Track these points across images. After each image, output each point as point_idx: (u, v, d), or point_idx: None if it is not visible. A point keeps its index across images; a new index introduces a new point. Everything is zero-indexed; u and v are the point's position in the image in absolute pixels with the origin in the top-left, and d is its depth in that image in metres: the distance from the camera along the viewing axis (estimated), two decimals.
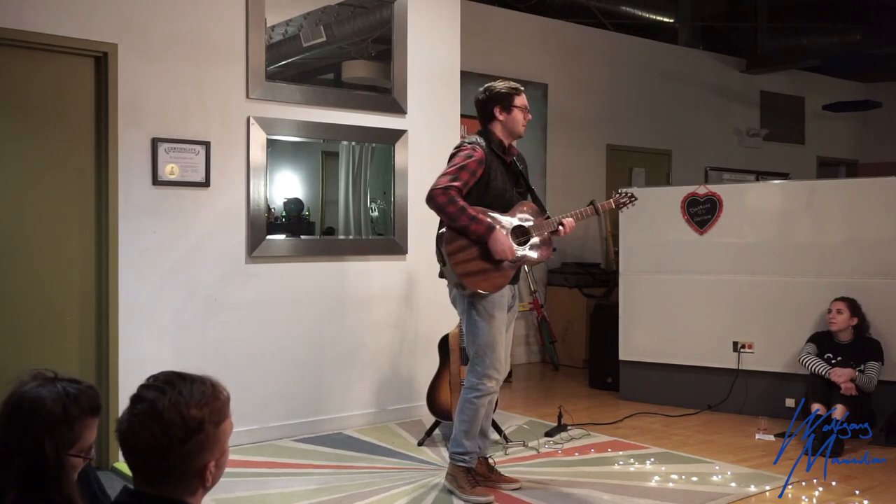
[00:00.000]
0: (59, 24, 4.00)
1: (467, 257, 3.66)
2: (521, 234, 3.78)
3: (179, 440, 1.57)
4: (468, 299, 3.74)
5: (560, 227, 3.81)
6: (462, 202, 3.62)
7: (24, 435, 1.70)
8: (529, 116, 3.87)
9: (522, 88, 3.87)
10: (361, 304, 5.06)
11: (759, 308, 5.53)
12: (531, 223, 3.80)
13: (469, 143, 3.76)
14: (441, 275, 3.85)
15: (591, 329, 6.75)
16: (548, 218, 3.86)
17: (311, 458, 4.37)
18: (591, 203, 3.94)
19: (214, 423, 1.63)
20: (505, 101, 3.79)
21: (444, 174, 3.67)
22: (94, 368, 4.20)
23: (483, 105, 3.83)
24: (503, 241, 3.66)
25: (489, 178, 3.73)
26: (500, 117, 3.79)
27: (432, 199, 3.63)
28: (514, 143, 3.93)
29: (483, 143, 3.76)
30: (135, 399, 1.63)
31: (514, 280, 3.89)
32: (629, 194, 4.14)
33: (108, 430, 4.15)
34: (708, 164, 9.50)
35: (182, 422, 1.58)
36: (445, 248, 3.67)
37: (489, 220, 3.66)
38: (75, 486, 1.73)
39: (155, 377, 1.66)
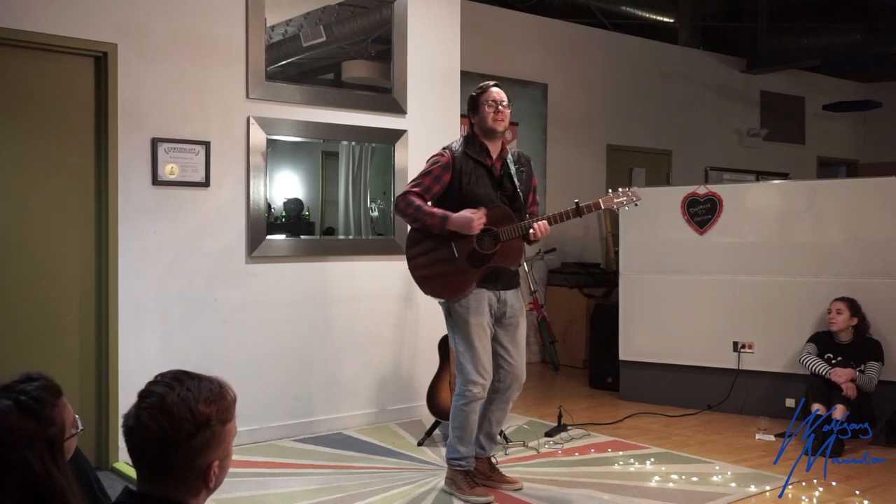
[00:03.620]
0: (59, 24, 4.00)
1: (426, 262, 3.69)
2: (490, 237, 3.67)
3: (187, 435, 1.57)
4: (445, 305, 3.77)
5: (531, 231, 3.66)
6: (418, 202, 3.65)
7: (6, 458, 1.58)
8: (505, 109, 3.74)
9: (491, 84, 3.81)
10: (361, 305, 5.05)
11: (759, 308, 5.53)
12: (502, 226, 3.66)
13: (443, 148, 3.81)
14: None
15: (591, 329, 6.75)
16: (524, 221, 3.71)
17: (311, 458, 4.37)
18: (576, 204, 3.71)
19: (221, 422, 1.63)
20: (473, 103, 3.81)
21: (409, 182, 3.75)
22: (94, 368, 4.20)
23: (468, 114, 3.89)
24: (463, 217, 3.59)
25: (460, 182, 3.71)
26: (474, 120, 3.82)
27: (395, 207, 3.74)
28: (511, 147, 3.91)
29: (457, 147, 3.78)
30: (143, 394, 1.63)
31: (506, 285, 3.79)
32: (630, 193, 3.85)
33: (108, 430, 4.16)
34: (708, 164, 9.50)
35: (191, 416, 1.58)
36: (406, 251, 3.74)
37: (443, 211, 3.64)
38: (72, 483, 1.70)
39: (163, 374, 1.66)
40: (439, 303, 3.83)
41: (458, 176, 3.72)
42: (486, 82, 3.86)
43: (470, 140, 3.81)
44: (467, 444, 3.80)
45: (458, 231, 3.62)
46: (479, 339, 3.72)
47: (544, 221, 3.70)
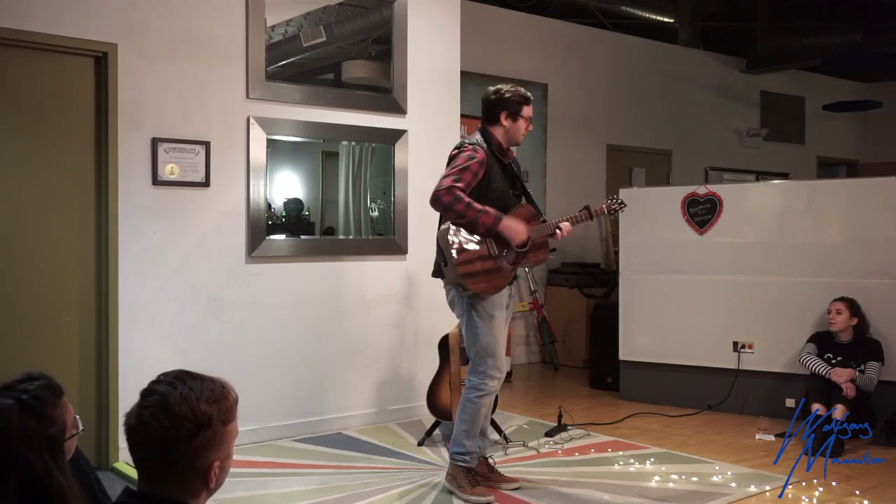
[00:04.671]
0: (59, 24, 4.00)
1: (470, 257, 3.66)
2: None
3: (188, 434, 1.57)
4: (468, 300, 3.75)
5: (557, 231, 3.83)
6: (468, 199, 3.63)
7: (6, 457, 1.59)
8: (531, 127, 3.89)
9: (532, 98, 3.87)
10: (361, 304, 5.06)
11: (759, 308, 5.53)
12: (531, 225, 3.80)
13: (470, 144, 3.75)
14: (435, 274, 3.85)
15: (591, 329, 6.75)
16: (544, 221, 3.88)
17: (311, 458, 4.37)
18: (586, 208, 3.94)
19: (222, 422, 1.63)
20: (513, 108, 3.79)
21: (446, 175, 3.66)
22: (94, 368, 4.20)
23: (491, 106, 3.82)
24: (516, 225, 3.70)
25: (490, 179, 3.74)
26: (505, 123, 3.80)
27: (437, 201, 3.63)
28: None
29: (484, 145, 3.77)
30: (145, 393, 1.63)
31: (513, 280, 3.91)
32: (619, 200, 4.11)
33: (109, 430, 4.16)
34: (708, 164, 9.50)
35: (192, 415, 1.58)
36: (450, 248, 3.67)
37: (496, 211, 3.68)
38: (72, 483, 1.70)
39: (165, 374, 1.66)
40: (460, 295, 3.77)
41: (489, 173, 3.74)
42: (527, 93, 3.86)
43: (489, 138, 3.81)
44: (473, 439, 3.81)
45: (505, 235, 3.67)
46: (501, 333, 3.78)
47: (567, 223, 3.85)
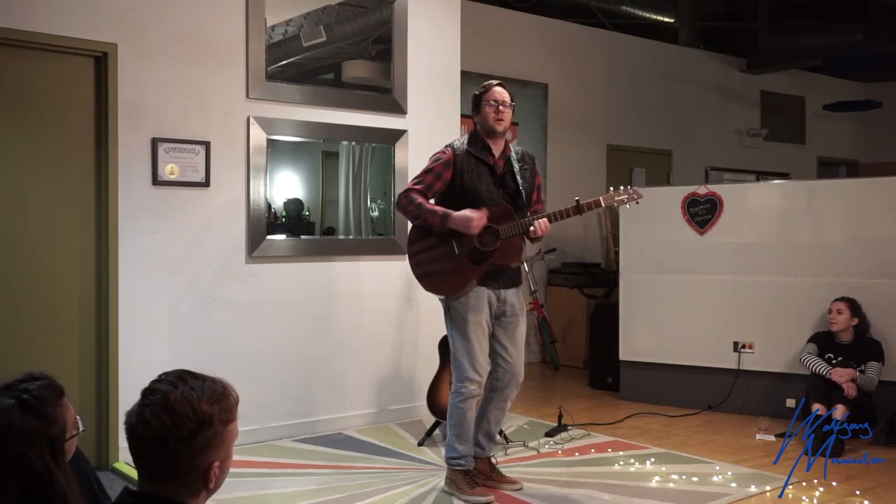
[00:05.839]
0: (59, 24, 4.00)
1: (427, 259, 3.70)
2: (490, 235, 3.67)
3: (189, 433, 1.57)
4: (444, 302, 3.78)
5: (532, 228, 3.67)
6: (419, 199, 3.67)
7: (7, 456, 1.58)
8: (506, 109, 3.73)
9: (495, 83, 3.81)
10: (361, 305, 5.05)
11: (759, 308, 5.53)
12: (503, 224, 3.67)
13: (445, 146, 3.83)
14: None
15: (591, 329, 6.75)
16: (525, 218, 3.72)
17: (311, 458, 4.37)
18: (576, 202, 3.70)
19: (223, 422, 1.63)
20: (475, 101, 3.82)
21: (412, 178, 3.78)
22: (94, 368, 4.20)
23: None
24: (464, 216, 3.59)
25: (461, 179, 3.72)
26: (476, 119, 3.84)
27: (397, 204, 3.76)
28: (514, 145, 3.91)
29: (459, 145, 3.79)
30: (146, 392, 1.63)
31: (507, 284, 3.79)
32: (631, 191, 3.81)
33: (109, 430, 4.16)
34: (708, 164, 9.50)
35: (193, 415, 1.58)
36: (408, 248, 3.76)
37: (444, 209, 3.65)
38: (72, 483, 1.70)
39: (167, 373, 1.66)
40: (439, 300, 3.83)
41: (460, 173, 3.72)
42: (490, 81, 3.86)
43: (473, 138, 3.82)
44: (465, 443, 3.81)
45: (458, 230, 3.63)
46: (477, 336, 3.73)
47: (545, 219, 3.71)
